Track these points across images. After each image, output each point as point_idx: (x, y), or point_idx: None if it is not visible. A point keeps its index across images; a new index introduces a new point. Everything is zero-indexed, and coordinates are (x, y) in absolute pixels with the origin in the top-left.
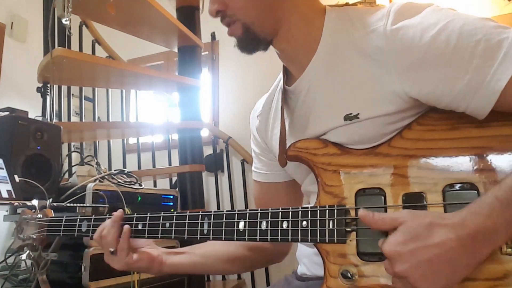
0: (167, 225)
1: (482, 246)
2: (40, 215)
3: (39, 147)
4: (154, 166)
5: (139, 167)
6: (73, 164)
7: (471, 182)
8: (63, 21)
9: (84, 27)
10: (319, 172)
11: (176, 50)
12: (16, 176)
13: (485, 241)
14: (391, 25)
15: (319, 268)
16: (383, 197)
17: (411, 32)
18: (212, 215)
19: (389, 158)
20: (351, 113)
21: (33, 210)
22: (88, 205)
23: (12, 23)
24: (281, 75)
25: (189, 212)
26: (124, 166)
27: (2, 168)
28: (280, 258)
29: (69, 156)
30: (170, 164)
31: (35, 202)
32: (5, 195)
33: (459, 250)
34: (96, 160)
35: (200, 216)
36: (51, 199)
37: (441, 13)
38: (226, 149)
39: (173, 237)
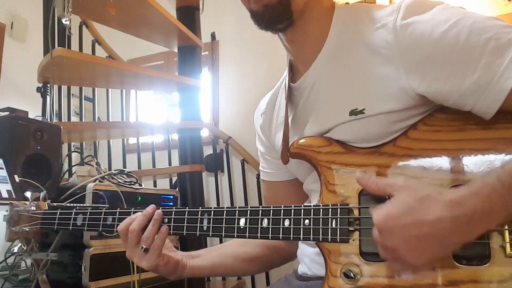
0: (166, 220)
1: (477, 227)
2: (33, 208)
3: (39, 147)
4: (154, 166)
5: (139, 167)
6: (73, 164)
7: None
8: (63, 21)
9: (84, 27)
10: (322, 170)
11: (176, 50)
12: (16, 176)
13: (481, 221)
14: (401, 20)
15: (320, 267)
16: (387, 197)
17: (421, 28)
18: (212, 211)
19: (394, 157)
20: (356, 108)
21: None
22: (88, 205)
23: (12, 23)
24: (286, 73)
25: (188, 208)
26: (124, 166)
27: (2, 168)
28: (294, 257)
29: (69, 156)
30: (170, 164)
31: (28, 194)
32: (5, 195)
33: (451, 229)
34: (96, 160)
35: (200, 212)
36: (45, 191)
37: (451, 11)
38: (226, 149)
39: (171, 233)
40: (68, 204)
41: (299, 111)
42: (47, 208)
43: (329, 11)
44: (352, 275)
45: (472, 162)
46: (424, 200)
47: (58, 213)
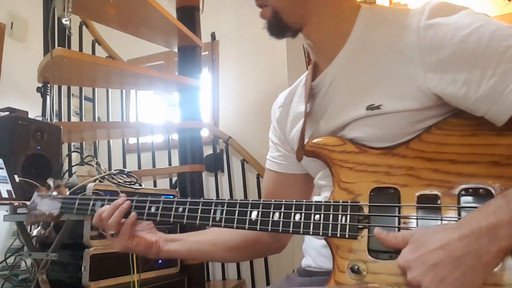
0: (180, 209)
1: (487, 243)
2: (55, 193)
3: (39, 147)
4: (154, 166)
5: (139, 167)
6: (73, 164)
7: (487, 188)
8: (63, 21)
9: (84, 27)
10: (335, 168)
11: (176, 50)
12: (16, 176)
13: (489, 236)
14: (425, 21)
15: (325, 260)
16: (397, 197)
17: (444, 30)
18: (226, 203)
19: (406, 159)
20: (373, 104)
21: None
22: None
23: (12, 23)
24: (305, 73)
25: (203, 199)
26: (124, 166)
27: (2, 168)
28: (279, 250)
29: (69, 156)
30: (170, 164)
31: (50, 181)
32: (5, 195)
33: (462, 249)
34: (96, 160)
35: (213, 203)
36: (67, 179)
37: (475, 17)
38: (226, 149)
39: (184, 222)
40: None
41: (316, 105)
42: (67, 194)
43: (352, 11)
44: (359, 270)
45: (484, 167)
46: (433, 232)
47: (78, 198)
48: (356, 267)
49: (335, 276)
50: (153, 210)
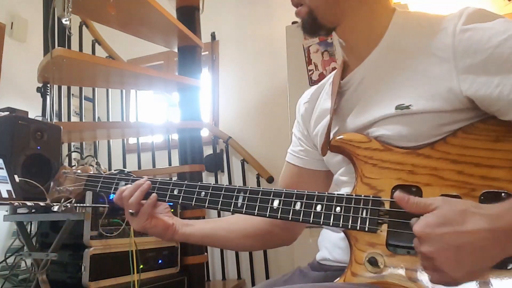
0: (203, 194)
1: None
2: (79, 171)
3: (39, 147)
4: (154, 166)
5: (139, 167)
6: (73, 164)
7: (509, 193)
8: (63, 21)
9: (84, 27)
10: (359, 164)
11: (176, 50)
12: (16, 176)
13: None
14: (461, 25)
15: (341, 252)
16: (419, 196)
17: (480, 34)
18: (249, 190)
19: (430, 159)
20: (403, 104)
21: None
22: (88, 205)
23: (12, 23)
24: (333, 72)
25: (225, 185)
26: (124, 166)
27: (2, 168)
28: (289, 242)
29: (69, 156)
30: (170, 164)
31: (74, 160)
32: (5, 195)
33: (490, 241)
34: (96, 160)
35: (236, 189)
36: (93, 161)
37: None
38: (226, 149)
39: (206, 206)
40: (68, 203)
41: (344, 102)
42: (92, 172)
43: (387, 14)
44: (376, 263)
45: (507, 171)
46: (463, 213)
47: (102, 177)
48: (374, 259)
49: (351, 267)
50: (175, 192)
